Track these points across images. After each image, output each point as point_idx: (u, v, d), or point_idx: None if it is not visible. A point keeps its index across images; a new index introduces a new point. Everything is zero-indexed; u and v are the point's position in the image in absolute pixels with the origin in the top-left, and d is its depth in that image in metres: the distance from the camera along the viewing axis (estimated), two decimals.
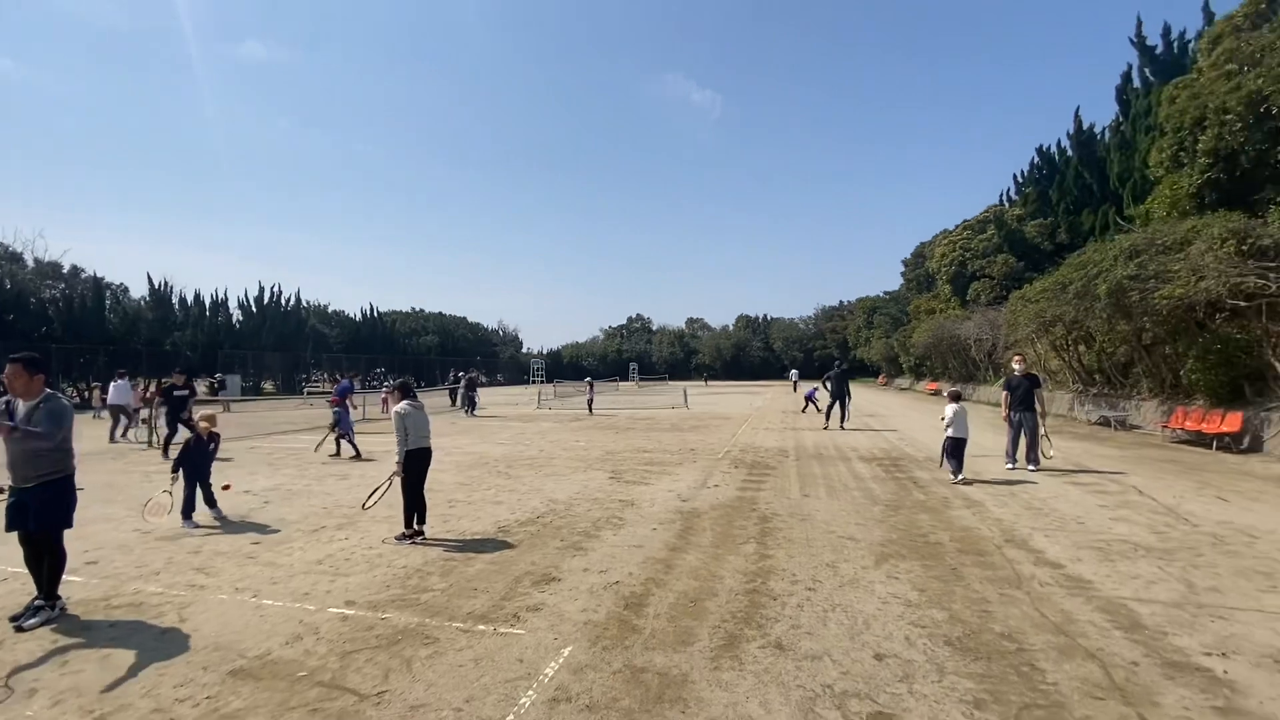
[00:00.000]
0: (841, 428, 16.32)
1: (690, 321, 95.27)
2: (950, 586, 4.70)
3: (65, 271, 33.51)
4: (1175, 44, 22.72)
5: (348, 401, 14.86)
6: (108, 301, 33.95)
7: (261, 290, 43.68)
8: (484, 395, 39.47)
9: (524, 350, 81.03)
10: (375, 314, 56.76)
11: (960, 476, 8.52)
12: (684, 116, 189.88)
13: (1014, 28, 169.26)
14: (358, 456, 11.61)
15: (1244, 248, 11.61)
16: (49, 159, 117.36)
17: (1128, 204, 21.89)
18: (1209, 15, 20.41)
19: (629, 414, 22.48)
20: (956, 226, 42.76)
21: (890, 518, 6.87)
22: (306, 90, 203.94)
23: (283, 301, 44.87)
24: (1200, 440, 12.68)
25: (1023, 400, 9.66)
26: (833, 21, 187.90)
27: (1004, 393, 10.10)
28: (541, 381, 55.07)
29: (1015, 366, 10.13)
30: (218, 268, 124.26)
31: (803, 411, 16.62)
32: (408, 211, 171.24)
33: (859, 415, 20.31)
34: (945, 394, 16.90)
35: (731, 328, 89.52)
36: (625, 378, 65.47)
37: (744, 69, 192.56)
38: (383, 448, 12.94)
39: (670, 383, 61.24)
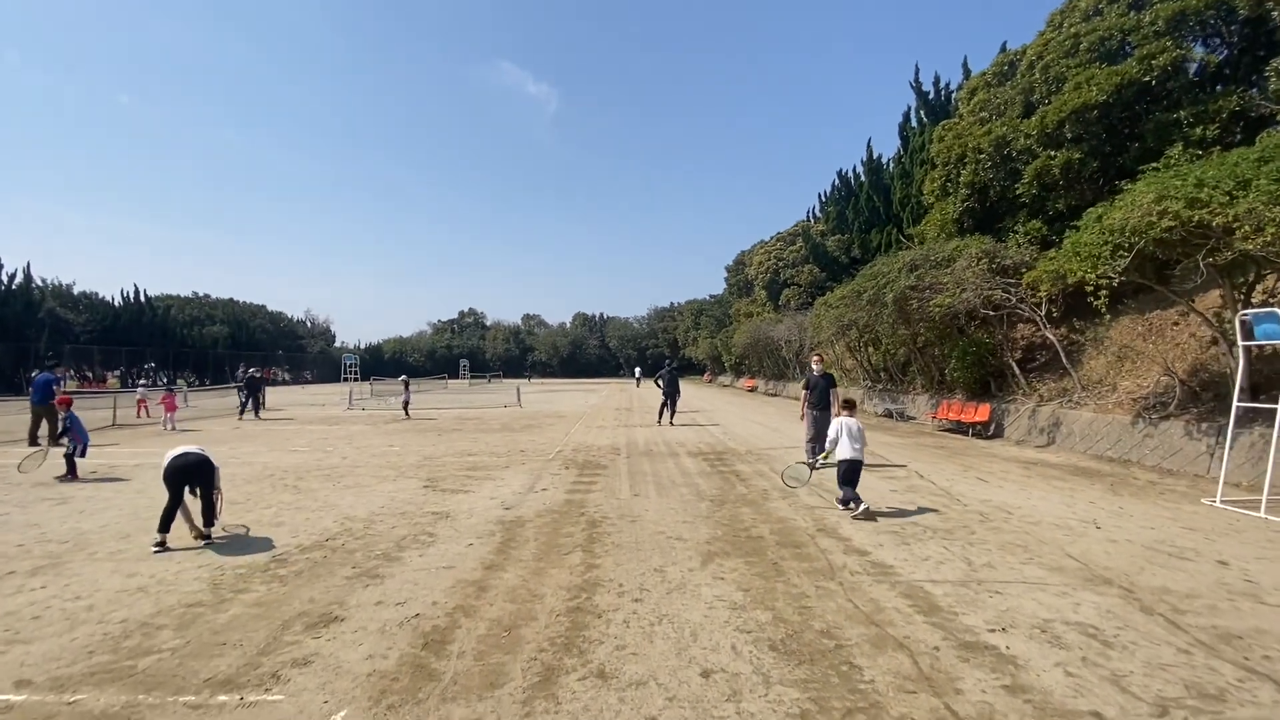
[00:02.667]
0: (671, 423, 16.70)
1: (527, 318, 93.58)
2: (772, 583, 4.67)
3: None
4: (943, 92, 26.92)
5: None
6: None
7: None
8: (286, 395, 34.80)
9: (336, 344, 73.36)
10: (142, 298, 47.38)
11: (862, 508, 6.55)
12: (520, 108, 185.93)
13: (831, 61, 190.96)
14: (72, 476, 9.04)
15: (993, 265, 13.83)
16: None
17: (907, 225, 25.36)
18: (967, 70, 24.42)
19: (456, 414, 21.04)
20: (772, 238, 46.73)
21: (715, 513, 6.88)
22: (44, 22, 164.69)
23: (3, 277, 35.53)
24: (960, 429, 14.90)
25: (819, 399, 9.84)
26: (664, 29, 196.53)
27: (803, 391, 10.23)
28: (355, 379, 50.17)
29: (814, 366, 10.31)
30: None
31: (659, 412, 16.89)
32: (197, 187, 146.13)
33: (685, 411, 21.05)
34: (895, 410, 17.89)
35: (569, 325, 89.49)
36: (456, 375, 62.12)
37: (577, 67, 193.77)
38: (134, 461, 10.45)
39: (505, 380, 59.34)
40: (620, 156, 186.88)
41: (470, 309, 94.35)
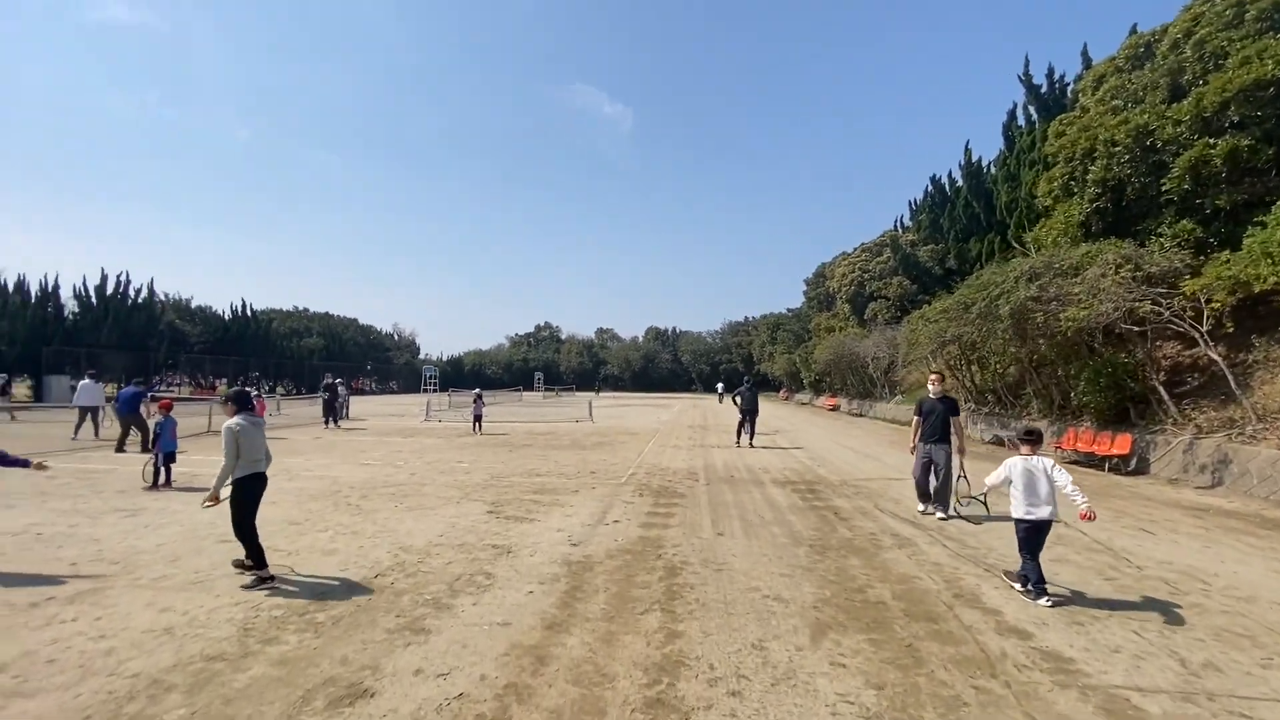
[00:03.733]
0: (751, 445, 15.54)
1: (600, 332, 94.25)
2: (911, 677, 3.57)
3: None
4: (1058, 84, 24.41)
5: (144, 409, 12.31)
6: None
7: (104, 279, 37.76)
8: (371, 405, 36.02)
9: (421, 356, 76.42)
10: (249, 312, 50.95)
11: (1046, 599, 4.74)
12: (596, 128, 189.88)
13: (915, 60, 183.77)
14: (156, 485, 9.08)
15: (1136, 274, 11.87)
16: None
17: (1014, 231, 23.02)
18: (1087, 58, 21.95)
19: (528, 428, 20.70)
20: (855, 249, 44.49)
21: (818, 564, 5.77)
22: (175, 63, 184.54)
23: (131, 293, 39.00)
24: (1091, 461, 12.87)
25: (936, 429, 7.81)
26: (744, 42, 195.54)
27: (914, 418, 8.21)
28: (435, 390, 51.72)
29: (931, 387, 8.16)
30: (51, 254, 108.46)
31: (737, 433, 15.81)
32: (296, 208, 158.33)
33: (764, 432, 19.77)
34: (1008, 437, 15.48)
35: (641, 339, 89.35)
36: (531, 387, 63.05)
37: (652, 85, 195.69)
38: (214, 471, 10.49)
39: (577, 394, 59.59)
40: (694, 173, 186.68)
41: (546, 323, 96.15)
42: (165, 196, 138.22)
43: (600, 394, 59.30)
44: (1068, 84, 23.79)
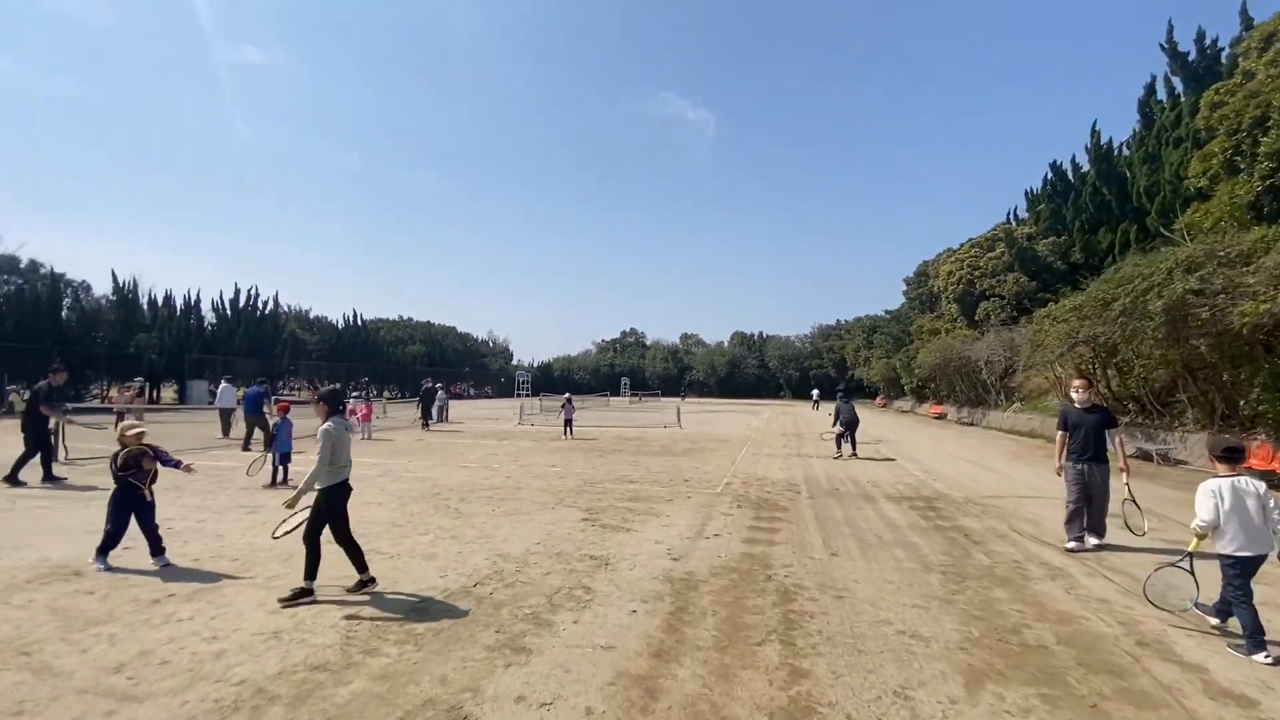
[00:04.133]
0: (854, 455, 14.55)
1: (685, 337, 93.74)
2: None
3: (23, 266, 31.48)
4: (1209, 49, 21.41)
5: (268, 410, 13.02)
6: (66, 299, 31.92)
7: (237, 293, 41.79)
8: (468, 409, 37.54)
9: (513, 362, 79.11)
10: (359, 321, 54.79)
11: (1269, 655, 3.84)
12: (679, 134, 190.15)
13: (1014, 44, 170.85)
14: (274, 484, 9.61)
15: None
16: (24, 153, 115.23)
17: (1155, 219, 20.39)
18: (1247, 19, 19.07)
19: (616, 433, 20.60)
20: (963, 245, 41.45)
21: (956, 595, 5.05)
22: (298, 97, 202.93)
23: (259, 305, 42.91)
24: (1273, 483, 10.94)
25: (1088, 445, 6.56)
26: (826, 36, 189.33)
27: (1059, 433, 6.91)
28: (527, 394, 53.22)
29: (1076, 394, 6.91)
30: (192, 271, 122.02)
31: (837, 443, 14.85)
32: (402, 223, 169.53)
33: (866, 441, 18.56)
34: (1156, 451, 13.23)
35: (727, 344, 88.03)
36: (617, 392, 63.63)
37: (736, 87, 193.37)
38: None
39: (664, 399, 59.47)
40: (781, 172, 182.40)
41: (631, 329, 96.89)
42: (287, 217, 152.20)
43: (686, 399, 58.84)
44: (1222, 49, 20.81)
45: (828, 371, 73.61)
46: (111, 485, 5.46)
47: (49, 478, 9.49)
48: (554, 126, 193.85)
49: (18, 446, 9.58)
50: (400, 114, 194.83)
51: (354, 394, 27.67)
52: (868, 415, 35.40)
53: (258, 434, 13.96)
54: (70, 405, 12.68)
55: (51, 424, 9.96)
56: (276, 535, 5.05)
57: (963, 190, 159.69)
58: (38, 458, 9.50)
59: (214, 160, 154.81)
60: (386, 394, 50.92)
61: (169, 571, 5.29)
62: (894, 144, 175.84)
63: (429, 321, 70.68)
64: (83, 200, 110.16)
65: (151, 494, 5.54)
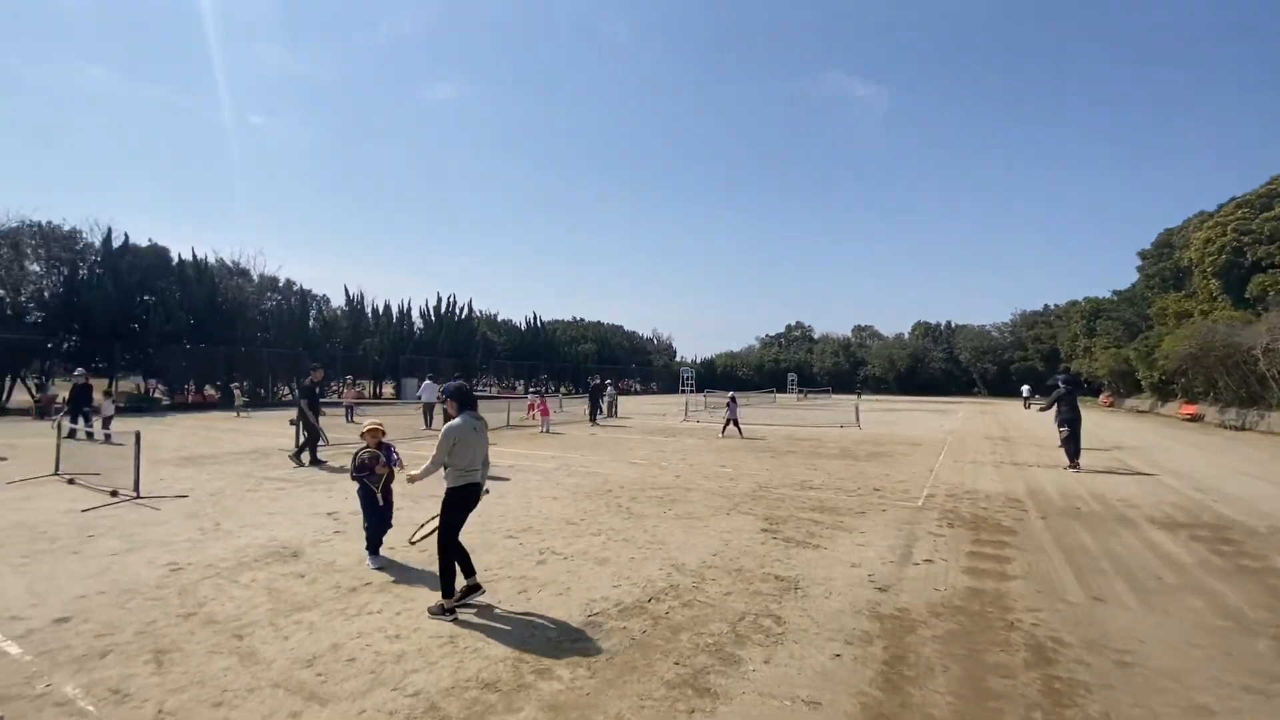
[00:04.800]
0: (1075, 466, 11.87)
1: (858, 329, 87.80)
2: None
3: (280, 285, 38.39)
4: None
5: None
6: (312, 311, 38.27)
7: (439, 301, 47.07)
8: (635, 404, 38.43)
9: (676, 359, 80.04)
10: (539, 323, 59.01)
11: None
12: (846, 113, 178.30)
13: None
14: None
15: None
16: (271, 190, 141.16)
17: None
18: None
19: (787, 432, 19.41)
20: (1224, 206, 33.33)
21: None
22: (482, 122, 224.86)
23: (457, 311, 47.95)
24: None
25: None
26: None
27: None
28: (691, 391, 53.19)
29: None
30: (405, 283, 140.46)
31: (1067, 450, 12.15)
32: (570, 225, 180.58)
33: (1095, 447, 15.38)
34: None
35: (907, 336, 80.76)
36: (783, 389, 61.29)
37: (912, 56, 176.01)
38: (510, 462, 11.53)
39: (835, 396, 56.04)
40: (969, 141, 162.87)
41: (797, 322, 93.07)
42: (485, 230, 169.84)
43: (861, 397, 54.81)
44: None
45: (1034, 364, 64.14)
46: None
47: (314, 461, 11.10)
48: (715, 118, 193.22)
49: (265, 435, 11.25)
50: (570, 126, 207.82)
51: (532, 390, 29.57)
52: (1094, 417, 29.93)
53: None
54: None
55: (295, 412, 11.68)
56: (414, 540, 5.01)
57: (1217, 141, 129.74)
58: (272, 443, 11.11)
59: (423, 188, 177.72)
60: (562, 390, 54.23)
61: (350, 565, 5.51)
62: (1119, 89, 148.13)
63: (599, 321, 74.17)
64: (318, 227, 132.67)
65: (385, 497, 5.42)
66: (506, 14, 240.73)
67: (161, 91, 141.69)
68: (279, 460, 11.80)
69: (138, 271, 29.94)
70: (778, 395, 50.25)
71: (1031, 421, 25.36)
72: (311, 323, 37.38)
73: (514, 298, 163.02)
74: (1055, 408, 12.48)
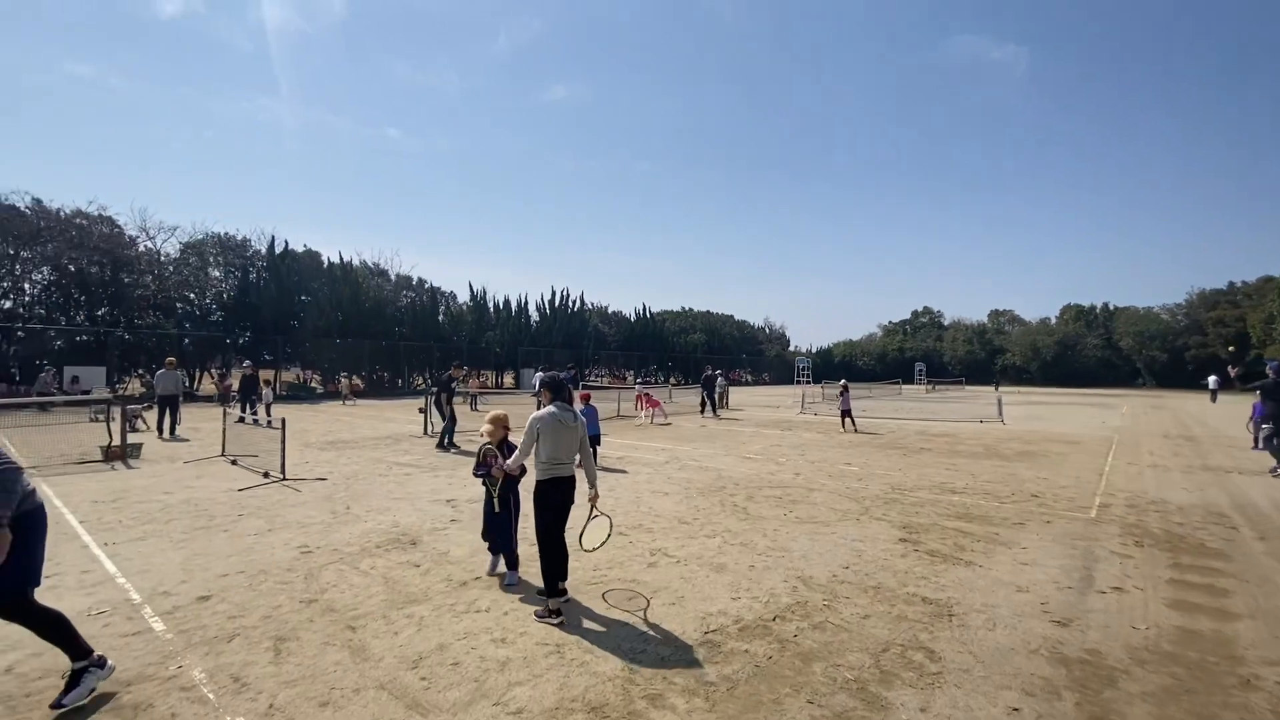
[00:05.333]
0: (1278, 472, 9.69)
1: (995, 314, 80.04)
2: None
3: (414, 283, 41.40)
4: None
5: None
6: (441, 306, 40.94)
7: (554, 294, 48.65)
8: (746, 395, 37.42)
9: (790, 348, 77.31)
10: (648, 314, 59.33)
11: None
12: (981, 79, 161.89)
13: None
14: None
15: None
16: (405, 195, 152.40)
17: None
18: None
19: (918, 427, 17.78)
20: None
21: None
22: (591, 122, 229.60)
23: (570, 304, 49.32)
24: None
25: None
26: None
27: None
28: (807, 381, 51.00)
29: None
30: (523, 278, 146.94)
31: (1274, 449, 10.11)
32: (682, 219, 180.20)
33: None
34: None
35: (1054, 320, 72.40)
36: (909, 379, 57.18)
37: (1052, 9, 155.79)
38: (619, 453, 11.38)
39: (969, 387, 51.37)
40: (1131, 95, 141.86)
41: (924, 307, 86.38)
42: (593, 225, 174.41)
43: (999, 388, 49.76)
44: None
45: (1215, 352, 54.90)
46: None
47: (449, 445, 11.94)
48: (833, 103, 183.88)
49: (398, 421, 11.91)
50: (678, 115, 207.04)
51: (639, 380, 29.55)
52: None
53: None
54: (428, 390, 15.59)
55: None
56: (587, 549, 4.63)
57: None
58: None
59: (538, 186, 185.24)
60: (671, 380, 54.22)
61: (484, 552, 5.37)
62: None
63: (708, 310, 73.28)
64: (446, 227, 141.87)
65: (506, 504, 4.75)
66: (615, 8, 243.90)
67: (317, 113, 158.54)
68: (409, 445, 12.49)
69: (295, 274, 33.52)
70: (903, 386, 46.85)
71: (1219, 418, 21.52)
72: (440, 317, 39.97)
73: (624, 290, 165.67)
74: (1269, 390, 10.32)
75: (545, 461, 4.20)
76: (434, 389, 12.45)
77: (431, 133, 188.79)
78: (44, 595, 4.30)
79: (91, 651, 3.05)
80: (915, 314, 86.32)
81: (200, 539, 5.77)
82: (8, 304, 27.58)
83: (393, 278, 40.58)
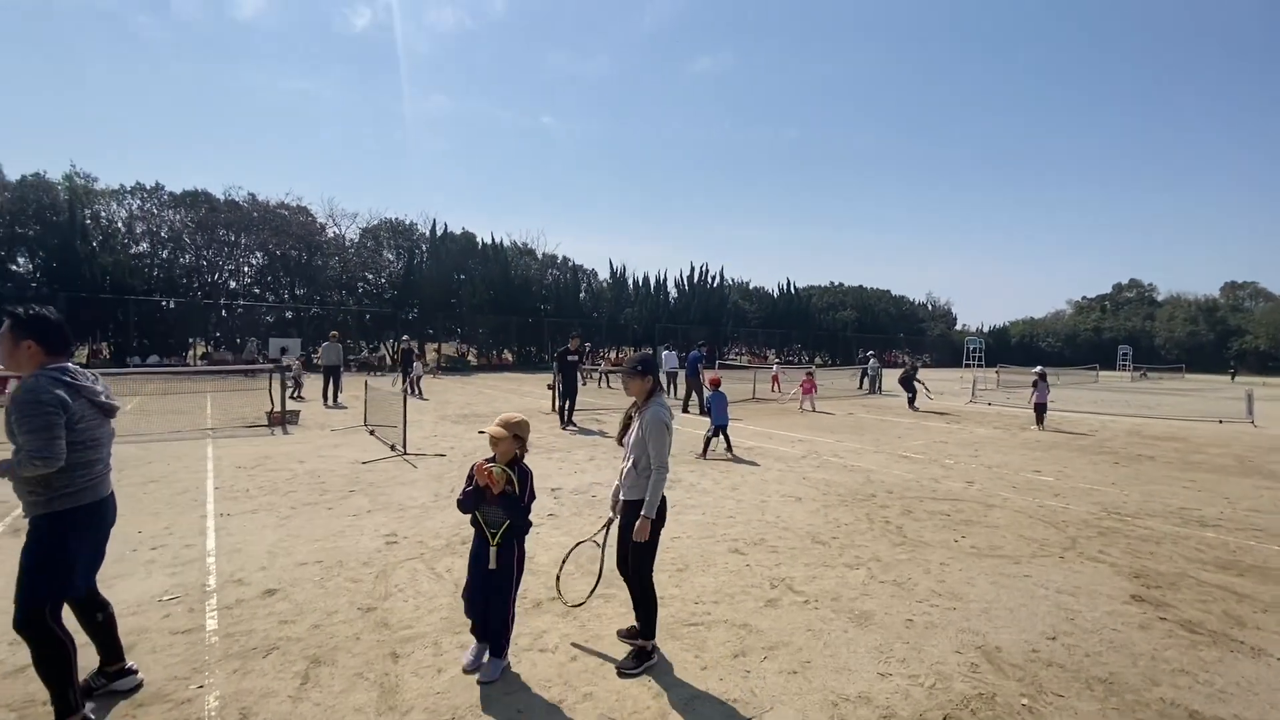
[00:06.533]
0: None
1: (1230, 286, 65.49)
2: None
3: (558, 261, 42.63)
4: None
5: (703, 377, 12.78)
6: (581, 284, 41.81)
7: (693, 270, 47.65)
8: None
9: (957, 327, 69.43)
10: (792, 290, 56.22)
11: None
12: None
13: None
14: (705, 456, 9.23)
15: None
16: (551, 177, 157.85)
17: None
18: None
19: (1128, 425, 14.41)
20: None
21: None
22: (735, 92, 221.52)
23: (708, 280, 48.05)
24: None
25: None
26: None
27: None
28: (978, 365, 45.30)
29: None
30: (659, 255, 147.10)
31: None
32: (835, 191, 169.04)
33: None
34: None
35: None
36: (1110, 365, 48.60)
37: None
38: (752, 442, 10.22)
39: (1190, 375, 42.43)
40: None
41: (1131, 280, 73.04)
42: (731, 195, 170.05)
43: (1235, 378, 40.31)
44: None
45: None
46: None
47: (568, 422, 11.72)
48: (1011, 39, 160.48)
49: (534, 396, 11.73)
50: (831, 77, 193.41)
51: (775, 361, 27.81)
52: None
53: (695, 397, 14.49)
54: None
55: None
56: (570, 602, 3.69)
57: None
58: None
59: (681, 161, 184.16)
60: (818, 360, 51.05)
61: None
62: None
63: (860, 286, 67.96)
64: (589, 206, 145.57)
65: (498, 556, 3.05)
66: None
67: (481, 105, 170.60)
68: (535, 422, 12.31)
69: (453, 255, 35.90)
70: (1100, 372, 39.72)
71: None
72: (581, 295, 40.85)
73: (767, 265, 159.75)
74: None
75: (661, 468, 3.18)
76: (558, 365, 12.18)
77: (582, 117, 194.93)
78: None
79: (77, 711, 2.56)
80: (1118, 287, 73.46)
81: (303, 516, 5.66)
82: (233, 284, 32.68)
83: (539, 256, 42.08)
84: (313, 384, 16.78)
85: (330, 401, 14.88)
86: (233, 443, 9.38)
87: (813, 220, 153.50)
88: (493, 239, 38.07)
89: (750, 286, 56.31)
